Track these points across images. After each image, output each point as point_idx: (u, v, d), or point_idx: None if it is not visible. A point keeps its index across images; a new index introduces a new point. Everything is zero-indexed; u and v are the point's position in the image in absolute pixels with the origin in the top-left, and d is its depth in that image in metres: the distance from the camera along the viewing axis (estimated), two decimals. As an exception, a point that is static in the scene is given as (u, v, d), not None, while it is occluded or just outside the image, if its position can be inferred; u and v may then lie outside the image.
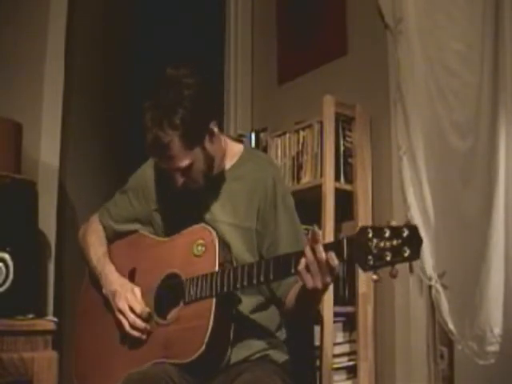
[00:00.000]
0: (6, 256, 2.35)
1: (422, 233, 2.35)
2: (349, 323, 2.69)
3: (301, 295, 1.67)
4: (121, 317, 1.74)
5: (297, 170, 2.86)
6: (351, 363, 2.67)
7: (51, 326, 2.32)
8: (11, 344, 2.23)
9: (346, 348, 2.68)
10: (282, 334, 1.83)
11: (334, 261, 1.46)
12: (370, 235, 1.42)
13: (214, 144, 1.74)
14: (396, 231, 1.40)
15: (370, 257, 1.40)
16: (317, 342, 2.44)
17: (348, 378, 2.67)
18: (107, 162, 3.56)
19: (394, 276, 1.40)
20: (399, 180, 2.57)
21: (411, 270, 1.42)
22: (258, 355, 1.75)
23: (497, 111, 2.19)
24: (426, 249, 2.41)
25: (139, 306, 1.73)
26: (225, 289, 1.62)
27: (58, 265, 2.92)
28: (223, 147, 1.83)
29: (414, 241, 1.38)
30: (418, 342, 2.53)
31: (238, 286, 1.61)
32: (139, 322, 1.72)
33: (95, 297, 1.90)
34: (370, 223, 2.73)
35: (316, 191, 2.66)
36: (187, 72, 1.68)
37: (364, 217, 2.72)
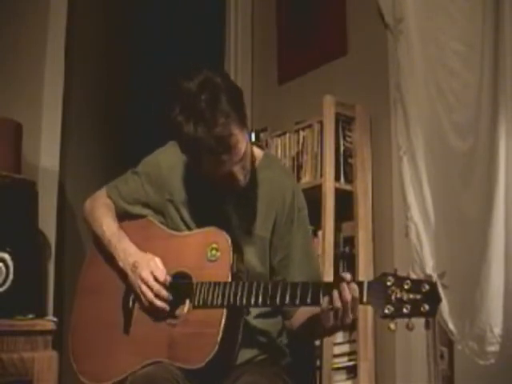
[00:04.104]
0: (6, 256, 2.35)
1: (422, 233, 2.42)
2: (349, 323, 2.68)
3: (312, 324, 1.66)
4: (143, 286, 1.70)
5: (297, 170, 2.85)
6: (351, 363, 2.66)
7: (51, 326, 2.32)
8: (11, 344, 2.23)
9: (345, 348, 2.68)
10: (283, 339, 1.83)
11: (356, 291, 1.48)
12: (390, 283, 1.45)
13: (246, 136, 1.69)
14: (416, 285, 1.43)
15: (388, 306, 1.43)
16: (317, 342, 2.44)
17: (348, 378, 2.67)
18: (107, 162, 3.56)
19: (410, 329, 1.42)
20: (399, 180, 2.57)
21: (427, 326, 1.44)
22: (259, 358, 1.74)
23: (497, 111, 2.19)
24: (426, 249, 2.41)
25: (163, 274, 1.70)
26: (237, 303, 1.61)
27: (58, 265, 2.92)
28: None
29: (433, 298, 1.42)
30: (418, 342, 2.53)
31: (252, 303, 1.60)
32: (164, 292, 1.69)
33: (98, 277, 1.87)
34: (370, 223, 2.74)
35: (316, 191, 2.66)
36: (197, 70, 1.63)
37: (364, 217, 2.72)
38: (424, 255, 2.38)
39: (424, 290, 1.42)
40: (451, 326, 2.31)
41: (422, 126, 2.51)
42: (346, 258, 2.76)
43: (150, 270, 1.71)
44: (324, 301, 1.51)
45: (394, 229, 2.67)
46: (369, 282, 1.49)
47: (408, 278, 1.45)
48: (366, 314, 2.62)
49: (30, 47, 3.00)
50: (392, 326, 1.44)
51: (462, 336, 2.27)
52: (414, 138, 2.51)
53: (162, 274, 1.71)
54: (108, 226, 1.86)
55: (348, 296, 1.47)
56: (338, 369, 2.64)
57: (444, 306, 2.33)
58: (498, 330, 2.15)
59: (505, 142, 2.17)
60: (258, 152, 1.86)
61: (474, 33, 2.35)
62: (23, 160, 2.68)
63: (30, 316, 2.32)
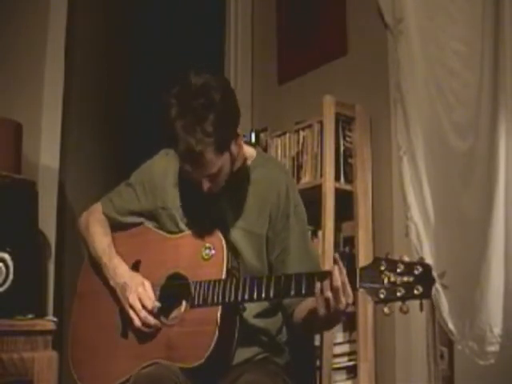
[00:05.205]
0: (6, 256, 2.35)
1: (422, 233, 2.42)
2: (349, 323, 2.69)
3: (311, 317, 1.66)
4: (131, 312, 1.72)
5: (297, 170, 2.85)
6: (351, 363, 2.66)
7: (51, 326, 2.32)
8: (11, 344, 2.23)
9: (345, 348, 2.68)
10: (282, 337, 1.83)
11: (345, 276, 1.48)
12: (383, 268, 1.44)
13: (236, 146, 1.72)
14: (409, 267, 1.43)
15: (382, 290, 1.43)
16: (317, 342, 2.44)
17: (348, 378, 2.67)
18: (107, 162, 3.57)
19: (404, 312, 1.43)
20: (399, 180, 2.57)
21: (421, 308, 1.43)
22: (259, 357, 1.75)
23: (497, 111, 2.19)
24: (426, 249, 2.41)
25: (150, 302, 1.71)
26: (232, 299, 1.62)
27: (58, 265, 2.92)
28: (240, 149, 1.80)
29: (427, 279, 1.41)
30: (418, 342, 2.53)
31: (247, 298, 1.61)
32: (151, 319, 1.70)
33: (95, 283, 1.88)
34: (370, 223, 2.74)
35: (316, 191, 2.66)
36: (212, 76, 1.64)
37: (364, 217, 2.72)
38: (424, 255, 2.38)
39: (417, 273, 1.42)
40: (451, 326, 2.32)
41: (421, 126, 2.51)
42: (346, 258, 2.76)
43: (138, 295, 1.72)
44: (316, 288, 1.51)
45: (393, 229, 2.68)
46: (361, 268, 1.49)
47: (400, 261, 1.44)
48: (366, 314, 2.62)
49: (30, 47, 2.99)
50: (386, 309, 1.44)
51: (462, 336, 2.27)
52: (414, 137, 2.51)
53: (150, 301, 1.71)
54: (100, 242, 1.88)
55: (338, 282, 1.47)
56: (338, 369, 2.64)
57: (444, 306, 2.34)
58: (497, 329, 2.15)
59: (505, 142, 2.18)
60: (251, 151, 1.87)
61: (474, 33, 2.35)
62: (23, 160, 2.68)
63: (30, 316, 2.32)
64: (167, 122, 1.60)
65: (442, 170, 2.44)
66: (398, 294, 1.42)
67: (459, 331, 2.29)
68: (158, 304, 1.71)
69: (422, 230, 2.44)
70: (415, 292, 1.41)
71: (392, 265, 1.44)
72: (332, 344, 2.59)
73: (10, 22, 3.02)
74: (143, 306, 1.71)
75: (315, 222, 2.65)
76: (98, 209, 1.97)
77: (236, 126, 1.69)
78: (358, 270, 1.48)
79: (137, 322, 1.71)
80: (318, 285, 1.51)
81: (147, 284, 1.74)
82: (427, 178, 2.47)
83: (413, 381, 2.52)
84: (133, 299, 1.72)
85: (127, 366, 1.70)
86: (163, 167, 1.87)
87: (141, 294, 1.72)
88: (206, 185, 1.68)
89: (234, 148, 1.69)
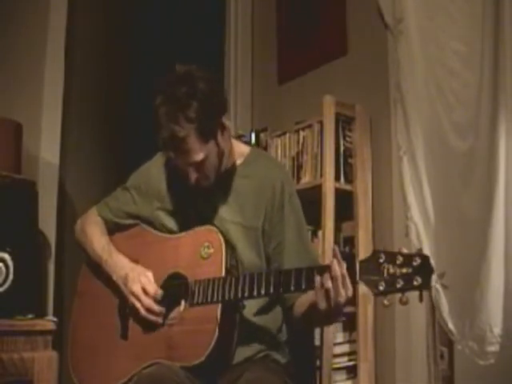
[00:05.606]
0: (6, 256, 2.35)
1: (422, 233, 2.42)
2: (349, 323, 2.68)
3: (311, 310, 1.66)
4: (135, 301, 1.72)
5: (297, 170, 2.85)
6: (351, 363, 2.66)
7: (51, 326, 2.33)
8: (11, 344, 2.23)
9: (345, 348, 2.68)
10: (282, 335, 1.83)
11: (344, 268, 1.49)
12: (382, 260, 1.45)
13: (224, 138, 1.74)
14: (408, 259, 1.43)
15: (381, 282, 1.44)
16: (317, 342, 2.44)
17: (348, 378, 2.67)
18: (107, 162, 3.57)
19: (404, 303, 1.43)
20: (399, 180, 2.57)
21: (421, 299, 1.43)
22: (259, 355, 1.75)
23: (497, 111, 2.19)
24: (426, 249, 2.41)
25: (153, 288, 1.72)
26: (232, 296, 1.62)
27: (58, 265, 2.92)
28: (230, 144, 1.82)
29: (426, 270, 1.41)
30: (418, 342, 2.53)
31: (246, 295, 1.62)
32: (155, 307, 1.71)
33: (95, 284, 1.89)
34: (370, 223, 2.74)
35: (316, 191, 2.66)
36: (197, 67, 1.68)
37: (364, 217, 2.72)
38: (424, 255, 2.38)
39: (415, 264, 1.42)
40: (451, 326, 2.32)
41: (421, 126, 2.51)
42: (346, 258, 2.75)
43: (141, 284, 1.73)
44: (316, 282, 1.51)
45: (393, 229, 2.67)
46: (360, 261, 1.49)
47: (399, 253, 1.45)
48: (366, 314, 2.62)
49: (30, 47, 3.00)
50: (386, 301, 1.45)
51: (462, 336, 2.27)
52: (414, 137, 2.51)
53: (153, 288, 1.72)
54: (98, 241, 1.89)
55: (337, 274, 1.48)
56: (338, 369, 2.64)
57: (444, 306, 2.34)
58: (497, 329, 2.15)
59: (505, 142, 2.18)
60: (244, 148, 1.89)
61: (473, 33, 2.35)
62: (23, 160, 2.68)
63: (30, 316, 2.32)
64: (153, 110, 1.64)
65: (442, 170, 2.44)
66: (398, 286, 1.42)
67: (459, 331, 2.29)
68: (161, 291, 1.72)
69: (422, 230, 2.44)
70: (414, 283, 1.41)
71: (391, 257, 1.45)
72: (332, 344, 2.59)
73: (10, 22, 3.02)
74: (146, 294, 1.71)
75: (315, 222, 2.65)
76: (93, 212, 1.98)
77: (221, 115, 1.71)
78: (357, 263, 1.49)
79: (142, 311, 1.71)
80: (317, 278, 1.51)
81: (149, 274, 1.75)
82: (427, 178, 2.47)
83: (413, 381, 2.52)
84: (136, 288, 1.72)
85: (128, 367, 1.71)
86: (160, 169, 1.88)
87: (143, 282, 1.73)
88: (192, 175, 1.69)
89: (220, 139, 1.71)
